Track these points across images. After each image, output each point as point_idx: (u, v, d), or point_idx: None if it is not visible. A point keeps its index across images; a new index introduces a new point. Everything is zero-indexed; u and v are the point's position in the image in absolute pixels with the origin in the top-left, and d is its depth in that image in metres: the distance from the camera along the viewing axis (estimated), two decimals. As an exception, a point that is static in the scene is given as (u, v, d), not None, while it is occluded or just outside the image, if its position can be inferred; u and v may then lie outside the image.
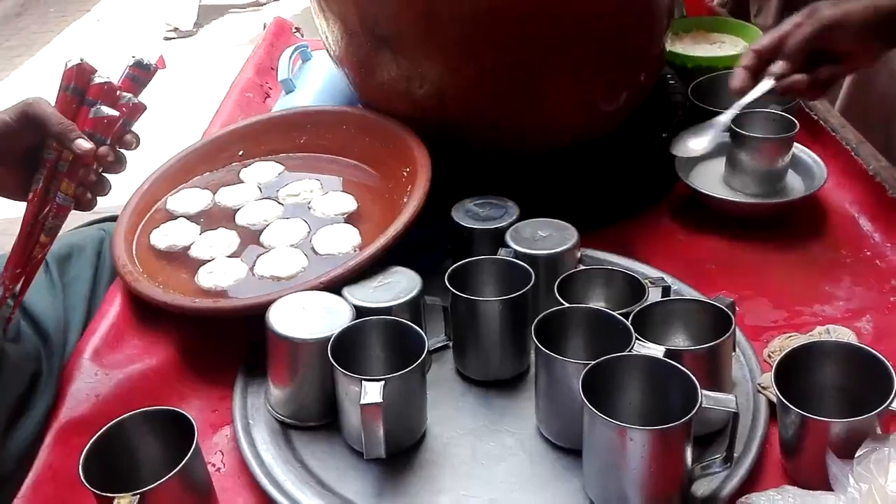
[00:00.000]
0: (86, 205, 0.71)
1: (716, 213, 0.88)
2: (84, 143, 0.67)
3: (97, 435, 0.59)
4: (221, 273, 0.78)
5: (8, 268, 0.68)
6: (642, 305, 0.66)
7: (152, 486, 0.55)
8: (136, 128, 0.73)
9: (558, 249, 0.75)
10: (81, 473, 0.56)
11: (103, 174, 0.71)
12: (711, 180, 0.92)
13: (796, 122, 0.89)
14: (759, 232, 0.86)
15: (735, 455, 0.58)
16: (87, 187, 0.70)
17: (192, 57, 3.22)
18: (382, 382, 0.60)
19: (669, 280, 0.75)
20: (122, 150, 0.72)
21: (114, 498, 0.54)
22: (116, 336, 0.76)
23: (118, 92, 0.71)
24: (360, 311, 0.69)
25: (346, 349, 0.65)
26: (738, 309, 0.68)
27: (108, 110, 0.69)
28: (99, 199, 0.72)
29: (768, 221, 0.87)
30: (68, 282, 0.83)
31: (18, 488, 0.63)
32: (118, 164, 0.71)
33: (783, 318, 0.75)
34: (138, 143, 0.72)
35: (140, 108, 0.72)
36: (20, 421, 0.66)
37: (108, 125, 0.69)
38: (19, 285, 0.69)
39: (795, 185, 0.91)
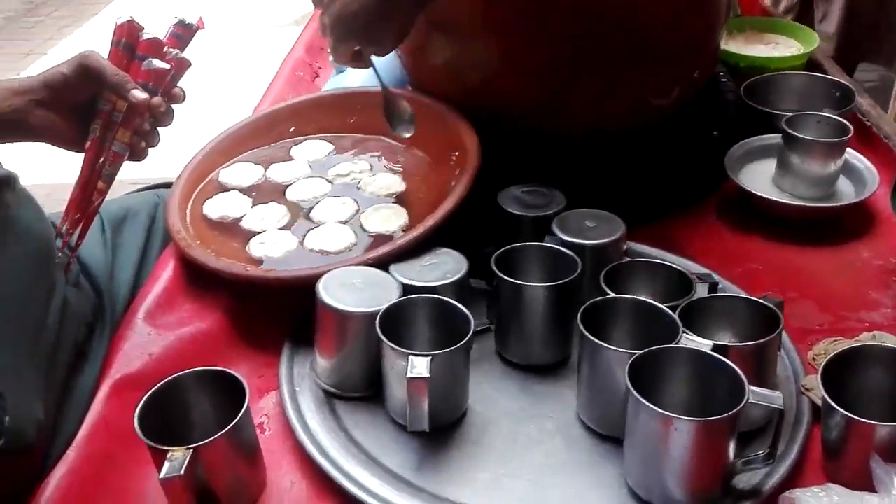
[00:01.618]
0: (139, 153, 0.74)
1: (764, 214, 0.88)
2: (139, 93, 0.71)
3: (152, 390, 0.60)
4: (272, 244, 0.80)
5: (68, 214, 0.71)
6: (689, 300, 0.66)
7: (205, 441, 0.56)
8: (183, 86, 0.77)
9: (605, 240, 0.75)
10: (137, 426, 0.57)
11: (154, 126, 0.75)
12: (761, 181, 0.91)
13: (850, 126, 0.89)
14: (807, 235, 0.86)
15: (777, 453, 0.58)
16: (141, 136, 0.73)
17: (244, 35, 3.25)
18: (430, 357, 0.61)
19: (714, 278, 0.75)
20: (171, 105, 0.75)
21: (168, 451, 0.56)
22: (169, 299, 0.78)
23: (165, 48, 0.75)
24: (406, 289, 0.70)
25: (393, 324, 0.66)
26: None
27: (159, 63, 0.73)
28: (151, 164, 0.75)
29: (817, 225, 0.87)
30: (120, 242, 0.85)
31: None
32: (168, 116, 0.75)
33: (829, 323, 0.75)
34: (184, 97, 0.77)
35: (185, 64, 0.77)
36: (79, 373, 0.68)
37: (159, 77, 0.74)
38: (78, 231, 0.72)
39: (846, 190, 0.90)
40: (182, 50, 0.76)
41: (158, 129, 0.75)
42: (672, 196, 0.91)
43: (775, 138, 0.93)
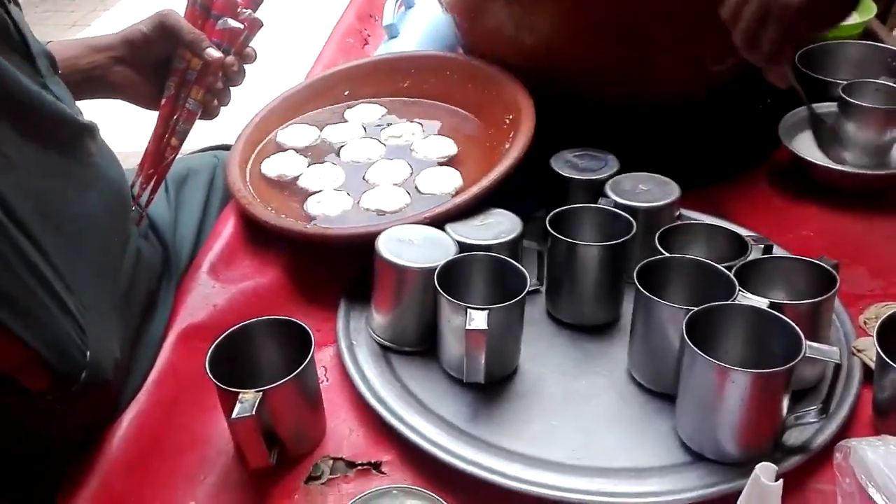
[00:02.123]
0: (212, 112, 0.76)
1: (816, 182, 0.88)
2: (214, 52, 0.73)
3: (221, 337, 0.63)
4: (329, 203, 0.82)
5: (142, 168, 0.74)
6: (744, 261, 0.67)
7: (273, 385, 0.59)
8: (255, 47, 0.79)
9: (659, 203, 0.76)
10: (208, 369, 0.60)
11: (227, 85, 0.77)
12: (814, 148, 0.91)
13: (908, 94, 0.88)
14: (860, 203, 0.85)
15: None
16: (213, 95, 0.75)
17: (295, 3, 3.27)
18: (488, 311, 0.63)
19: (769, 240, 0.76)
20: (243, 64, 0.78)
21: (238, 393, 0.58)
22: (230, 254, 0.80)
23: (239, 8, 0.77)
24: (462, 247, 0.72)
25: (450, 280, 0.68)
26: (836, 273, 0.68)
27: (233, 23, 0.75)
28: (205, 127, 0.78)
29: (870, 193, 0.86)
30: (183, 200, 0.88)
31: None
32: (240, 76, 0.77)
33: (880, 288, 0.75)
34: (256, 58, 0.78)
35: (258, 24, 0.78)
36: (150, 321, 0.71)
37: (233, 36, 0.76)
38: (150, 187, 0.74)
39: (901, 159, 0.89)
40: (255, 10, 0.78)
41: (230, 87, 0.77)
42: (725, 163, 0.91)
43: (830, 107, 0.92)
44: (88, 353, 0.57)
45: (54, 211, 0.56)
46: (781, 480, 0.44)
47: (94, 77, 0.73)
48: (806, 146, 0.91)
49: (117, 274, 0.64)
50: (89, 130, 0.62)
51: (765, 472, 0.44)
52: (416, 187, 0.83)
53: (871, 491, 0.51)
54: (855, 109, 0.87)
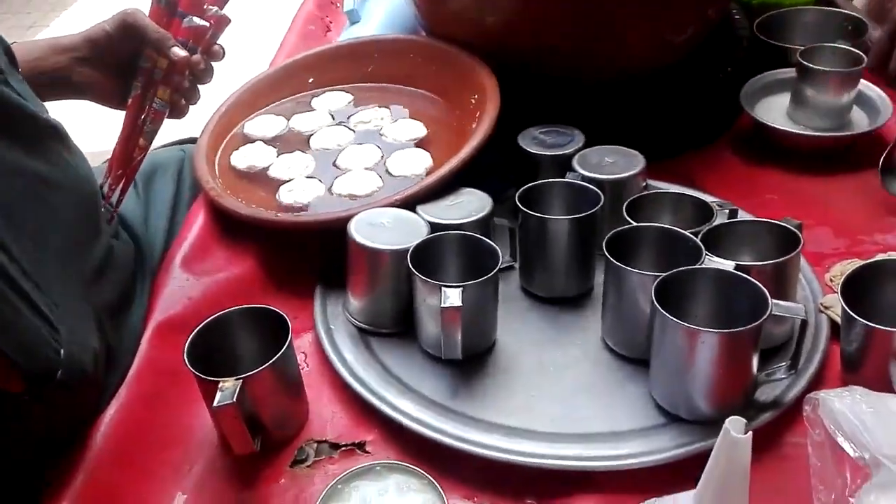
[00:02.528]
0: (180, 111, 0.75)
1: (778, 147, 0.89)
2: (179, 51, 0.72)
3: (198, 328, 0.63)
4: (301, 191, 0.82)
5: (111, 170, 0.73)
6: (710, 226, 0.68)
7: (253, 372, 0.59)
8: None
9: (625, 174, 0.77)
10: (186, 361, 0.60)
11: (194, 84, 0.76)
12: (775, 114, 0.93)
13: (864, 56, 0.89)
14: (822, 165, 0.87)
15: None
16: (181, 94, 0.74)
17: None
18: (462, 288, 0.64)
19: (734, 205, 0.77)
20: (210, 62, 0.76)
21: (219, 381, 0.58)
22: (202, 247, 0.80)
23: (205, 5, 0.76)
24: (434, 227, 0.73)
25: (423, 261, 0.68)
26: (801, 234, 0.70)
27: (199, 21, 0.74)
28: (179, 124, 0.77)
29: (831, 155, 0.88)
30: (152, 196, 0.88)
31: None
32: (207, 74, 0.76)
33: (844, 246, 0.77)
34: (224, 55, 0.77)
35: (225, 21, 0.77)
36: (126, 317, 0.71)
37: (199, 35, 0.74)
38: (119, 187, 0.74)
39: (860, 120, 0.91)
40: (221, 7, 0.77)
41: (198, 86, 0.77)
42: (688, 132, 0.92)
43: (789, 72, 0.94)
44: (62, 352, 0.56)
45: (19, 210, 0.56)
46: (750, 433, 0.46)
47: (59, 78, 0.73)
48: (767, 112, 0.93)
49: (89, 272, 0.64)
50: (55, 129, 0.62)
51: (734, 425, 0.45)
52: (387, 170, 0.84)
53: (840, 440, 0.52)
54: (813, 73, 0.89)
